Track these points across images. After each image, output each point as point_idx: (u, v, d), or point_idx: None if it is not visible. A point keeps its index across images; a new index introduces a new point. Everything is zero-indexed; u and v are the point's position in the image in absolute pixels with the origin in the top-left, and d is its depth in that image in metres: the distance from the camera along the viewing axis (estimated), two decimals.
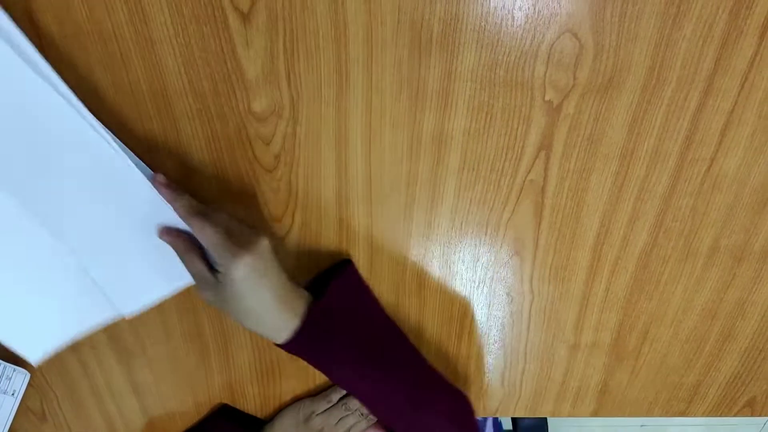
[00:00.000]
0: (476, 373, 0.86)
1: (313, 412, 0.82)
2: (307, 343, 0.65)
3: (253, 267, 0.58)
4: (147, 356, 0.83)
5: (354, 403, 0.81)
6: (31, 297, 0.67)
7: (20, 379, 0.81)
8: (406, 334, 0.77)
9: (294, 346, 0.65)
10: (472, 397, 0.88)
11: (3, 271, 0.64)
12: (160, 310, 0.78)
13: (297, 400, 0.87)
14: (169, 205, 0.61)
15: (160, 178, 0.61)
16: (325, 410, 0.82)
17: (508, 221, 0.71)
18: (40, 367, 0.83)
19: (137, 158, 0.63)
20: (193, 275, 0.62)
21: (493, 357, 0.84)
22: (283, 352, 0.82)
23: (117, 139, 0.60)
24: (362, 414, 0.80)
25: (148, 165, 0.65)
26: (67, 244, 0.64)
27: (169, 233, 0.63)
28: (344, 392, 0.82)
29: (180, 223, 0.62)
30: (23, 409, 0.87)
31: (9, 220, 0.61)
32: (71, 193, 0.61)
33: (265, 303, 0.61)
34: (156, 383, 0.86)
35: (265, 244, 0.60)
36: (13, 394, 0.82)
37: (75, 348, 0.81)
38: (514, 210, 0.70)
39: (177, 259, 0.64)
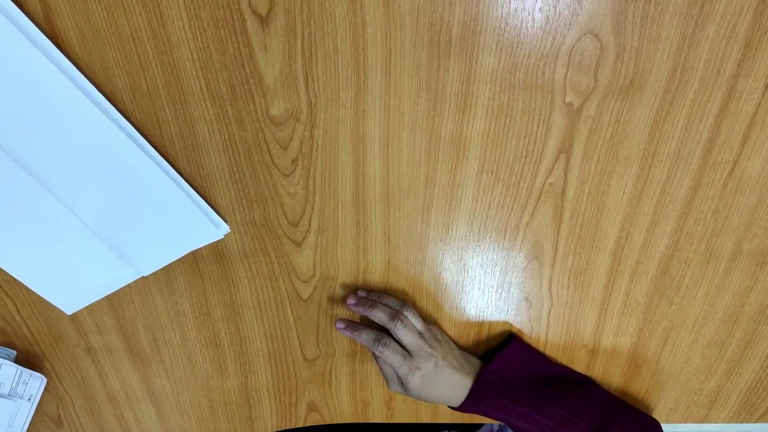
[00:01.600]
0: None
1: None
2: (477, 405, 0.76)
3: (424, 377, 0.73)
4: (164, 363, 0.83)
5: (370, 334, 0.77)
6: (58, 259, 0.72)
7: (36, 383, 0.81)
8: (581, 375, 0.83)
9: (466, 409, 0.76)
10: None
11: (29, 237, 0.69)
12: (176, 315, 0.78)
13: None
14: (171, 180, 0.67)
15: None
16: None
17: (527, 225, 0.70)
18: (57, 372, 0.83)
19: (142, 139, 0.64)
20: (386, 375, 0.76)
21: None
22: (299, 359, 0.82)
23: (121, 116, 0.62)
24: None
25: (165, 166, 0.65)
26: (80, 215, 0.68)
27: (354, 329, 0.76)
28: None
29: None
30: (40, 414, 0.87)
31: (28, 195, 0.66)
32: (83, 172, 0.64)
33: (440, 390, 0.75)
34: (172, 390, 0.86)
35: (434, 353, 0.73)
36: (29, 399, 0.82)
37: (91, 353, 0.81)
38: (533, 214, 0.69)
39: (186, 225, 0.70)
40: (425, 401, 0.76)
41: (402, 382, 0.74)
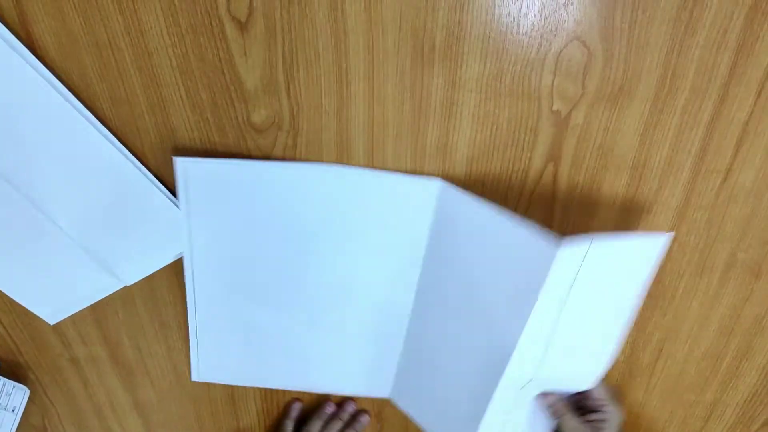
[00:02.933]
0: None
1: None
2: None
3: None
4: (149, 374, 0.82)
5: (346, 413, 0.83)
6: (41, 268, 0.71)
7: (20, 395, 0.80)
8: None
9: None
10: None
11: (11, 247, 0.68)
12: (161, 325, 0.77)
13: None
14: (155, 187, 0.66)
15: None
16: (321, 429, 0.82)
17: None
18: (41, 383, 0.82)
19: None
20: (572, 428, 0.70)
21: None
22: None
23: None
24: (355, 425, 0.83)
25: (146, 173, 0.64)
26: (62, 225, 0.67)
27: (551, 396, 0.71)
28: (294, 418, 0.83)
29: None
30: (25, 425, 0.86)
31: (9, 205, 0.64)
32: (64, 181, 0.64)
33: None
34: (159, 401, 0.85)
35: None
36: (13, 411, 0.80)
37: (76, 364, 0.80)
38: None
39: (168, 234, 0.69)
40: None
41: (604, 427, 0.70)
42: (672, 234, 0.64)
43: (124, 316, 0.76)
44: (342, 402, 0.83)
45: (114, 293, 0.73)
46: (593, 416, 0.71)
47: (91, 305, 0.74)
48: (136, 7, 0.54)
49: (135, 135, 0.62)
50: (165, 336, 0.78)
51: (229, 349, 0.76)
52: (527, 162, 0.63)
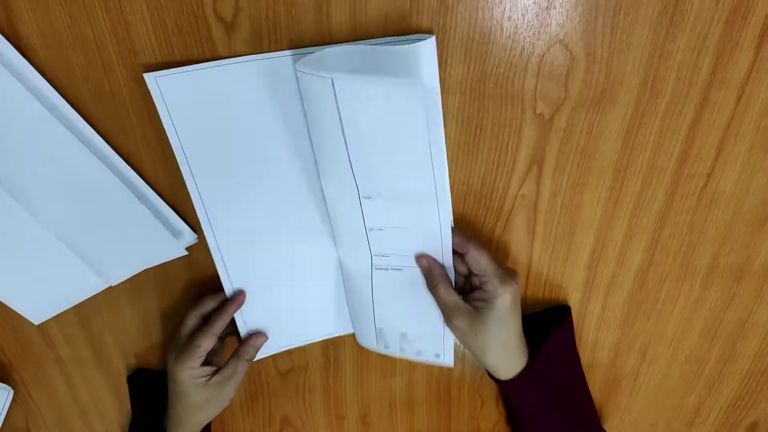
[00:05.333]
0: (470, 393, 0.84)
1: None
2: (526, 385, 0.68)
3: (515, 297, 0.63)
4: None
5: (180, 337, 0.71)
6: (25, 267, 0.70)
7: (3, 395, 0.80)
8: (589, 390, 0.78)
9: (516, 385, 0.68)
10: (466, 418, 0.86)
11: (1, 248, 0.68)
12: (145, 324, 0.77)
13: None
14: (140, 187, 0.66)
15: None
16: None
17: (500, 237, 0.69)
18: (25, 383, 0.81)
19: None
20: (447, 304, 0.64)
21: (486, 378, 0.82)
22: (272, 372, 0.81)
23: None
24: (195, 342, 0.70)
25: (129, 175, 0.64)
26: (47, 224, 0.66)
27: (428, 259, 0.65)
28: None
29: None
30: (8, 426, 0.85)
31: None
32: (47, 181, 0.63)
33: (511, 337, 0.65)
34: None
35: (520, 278, 0.65)
36: None
37: (60, 364, 0.80)
38: (506, 226, 0.68)
39: (149, 239, 0.67)
40: (485, 349, 0.64)
41: (476, 306, 0.63)
42: (432, 37, 0.51)
43: (109, 316, 0.76)
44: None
45: (98, 294, 0.73)
46: (476, 293, 0.64)
47: (76, 306, 0.74)
48: (122, 6, 0.55)
49: (120, 133, 0.62)
50: (149, 336, 0.78)
51: (269, 308, 0.73)
52: (511, 164, 0.64)
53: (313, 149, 0.63)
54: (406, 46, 0.50)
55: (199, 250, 0.70)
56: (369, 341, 0.75)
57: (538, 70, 0.58)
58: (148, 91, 0.58)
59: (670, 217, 0.67)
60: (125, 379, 0.81)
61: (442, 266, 0.65)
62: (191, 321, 0.70)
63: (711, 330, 0.77)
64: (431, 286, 0.65)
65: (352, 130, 0.57)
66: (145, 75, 0.57)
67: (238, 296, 0.70)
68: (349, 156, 0.59)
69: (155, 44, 0.57)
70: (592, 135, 0.62)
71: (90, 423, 0.86)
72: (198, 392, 0.69)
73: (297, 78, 0.57)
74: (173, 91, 0.58)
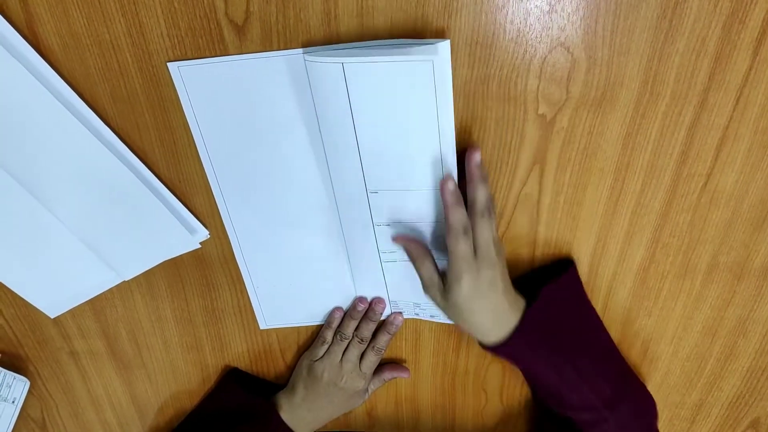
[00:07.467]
0: (475, 388, 0.85)
1: (312, 362, 0.79)
2: (518, 349, 0.68)
3: (480, 285, 0.63)
4: (146, 367, 0.84)
5: (348, 331, 0.78)
6: (42, 262, 0.73)
7: (20, 386, 0.82)
8: (608, 333, 0.76)
9: (506, 350, 0.68)
10: (471, 414, 0.88)
11: (12, 240, 0.71)
12: (158, 319, 0.79)
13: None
14: (154, 184, 0.68)
15: (450, 185, 0.62)
16: (323, 354, 0.78)
17: (503, 235, 0.71)
18: (41, 375, 0.84)
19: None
20: (424, 278, 0.67)
21: (491, 373, 0.83)
22: (279, 365, 0.82)
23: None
24: (362, 340, 0.78)
25: (144, 172, 0.66)
26: (63, 219, 0.69)
27: (405, 238, 0.68)
28: (335, 327, 0.79)
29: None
30: (24, 417, 0.88)
31: (12, 199, 0.67)
32: (65, 177, 0.65)
33: (484, 311, 0.66)
34: (155, 394, 0.87)
35: (498, 264, 0.64)
36: (13, 402, 0.82)
37: (75, 357, 0.82)
38: (509, 224, 0.70)
39: (163, 233, 0.70)
40: (461, 320, 0.67)
41: (452, 284, 0.64)
42: (447, 42, 0.53)
43: (123, 310, 0.78)
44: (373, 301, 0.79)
45: (113, 288, 0.76)
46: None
47: (91, 299, 0.76)
48: (137, 9, 0.57)
49: (135, 132, 0.64)
50: (162, 330, 0.80)
51: (281, 288, 0.77)
52: (514, 163, 0.65)
53: (323, 143, 0.64)
54: (422, 46, 0.53)
55: (210, 245, 0.72)
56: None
57: (540, 72, 0.60)
58: (162, 91, 0.60)
59: (671, 216, 0.68)
60: (137, 371, 0.83)
61: (418, 243, 0.67)
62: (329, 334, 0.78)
63: (712, 328, 0.78)
64: (414, 261, 0.68)
65: (361, 118, 0.58)
66: (168, 64, 0.59)
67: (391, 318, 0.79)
68: (358, 146, 0.61)
69: (169, 46, 0.59)
70: (593, 135, 0.63)
71: (103, 414, 0.89)
72: (357, 400, 0.82)
73: (307, 71, 0.59)
74: (194, 81, 0.60)
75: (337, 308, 0.78)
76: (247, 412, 0.79)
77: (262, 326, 0.80)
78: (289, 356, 0.83)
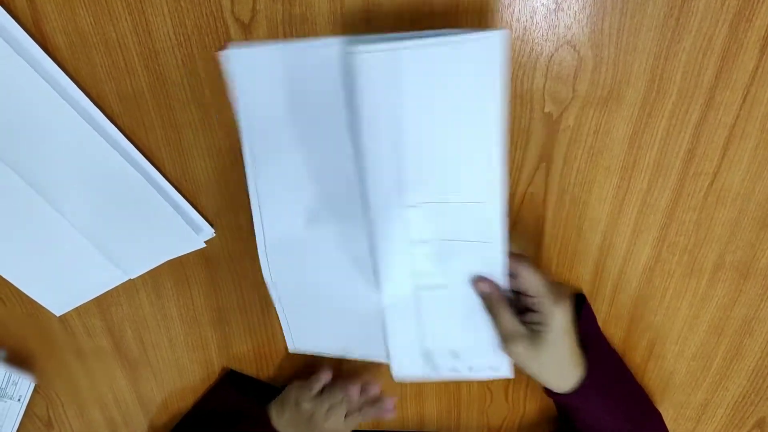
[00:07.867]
0: (479, 387, 0.85)
1: (302, 397, 0.77)
2: (588, 394, 0.67)
3: (569, 315, 0.62)
4: (151, 366, 0.84)
5: (338, 395, 0.77)
6: (48, 260, 0.73)
7: (26, 384, 0.82)
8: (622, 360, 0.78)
9: (578, 396, 0.66)
10: (475, 412, 0.88)
11: (19, 238, 0.70)
12: (163, 318, 0.79)
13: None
14: (153, 188, 0.67)
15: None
16: (314, 395, 0.77)
17: (509, 234, 0.71)
18: (46, 373, 0.84)
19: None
20: (507, 330, 0.62)
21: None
22: (285, 364, 0.82)
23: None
24: (347, 401, 0.77)
25: (149, 171, 0.66)
26: (69, 218, 0.69)
27: (487, 284, 0.62)
28: (325, 382, 0.78)
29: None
30: (29, 415, 0.88)
31: (19, 198, 0.66)
32: (71, 176, 0.65)
33: (568, 351, 0.64)
34: (160, 393, 0.87)
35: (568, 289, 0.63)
36: (19, 400, 0.83)
37: (80, 355, 0.82)
38: (515, 223, 0.70)
39: (169, 232, 0.70)
40: (542, 375, 0.65)
41: (534, 328, 0.61)
42: (506, 31, 0.52)
43: (128, 308, 0.78)
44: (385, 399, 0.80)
45: (118, 286, 0.76)
46: (529, 316, 0.62)
47: (96, 298, 0.76)
48: (143, 7, 0.57)
49: (141, 131, 0.64)
50: (167, 328, 0.80)
51: (313, 312, 0.72)
52: (520, 161, 0.65)
53: (355, 149, 0.59)
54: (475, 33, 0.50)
55: (216, 245, 0.72)
56: (412, 369, 0.71)
57: (546, 71, 0.60)
58: (169, 90, 0.60)
59: (677, 214, 0.68)
60: (142, 369, 0.83)
61: (501, 289, 0.62)
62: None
63: (718, 327, 0.77)
64: (492, 311, 0.63)
65: (411, 112, 0.54)
66: (225, 51, 0.58)
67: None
68: (402, 151, 0.56)
69: (175, 44, 0.59)
70: (600, 134, 0.63)
71: (108, 412, 0.89)
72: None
73: (346, 63, 0.55)
74: (243, 66, 0.58)
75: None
76: (241, 414, 0.80)
77: (291, 349, 0.77)
78: (294, 358, 0.83)
